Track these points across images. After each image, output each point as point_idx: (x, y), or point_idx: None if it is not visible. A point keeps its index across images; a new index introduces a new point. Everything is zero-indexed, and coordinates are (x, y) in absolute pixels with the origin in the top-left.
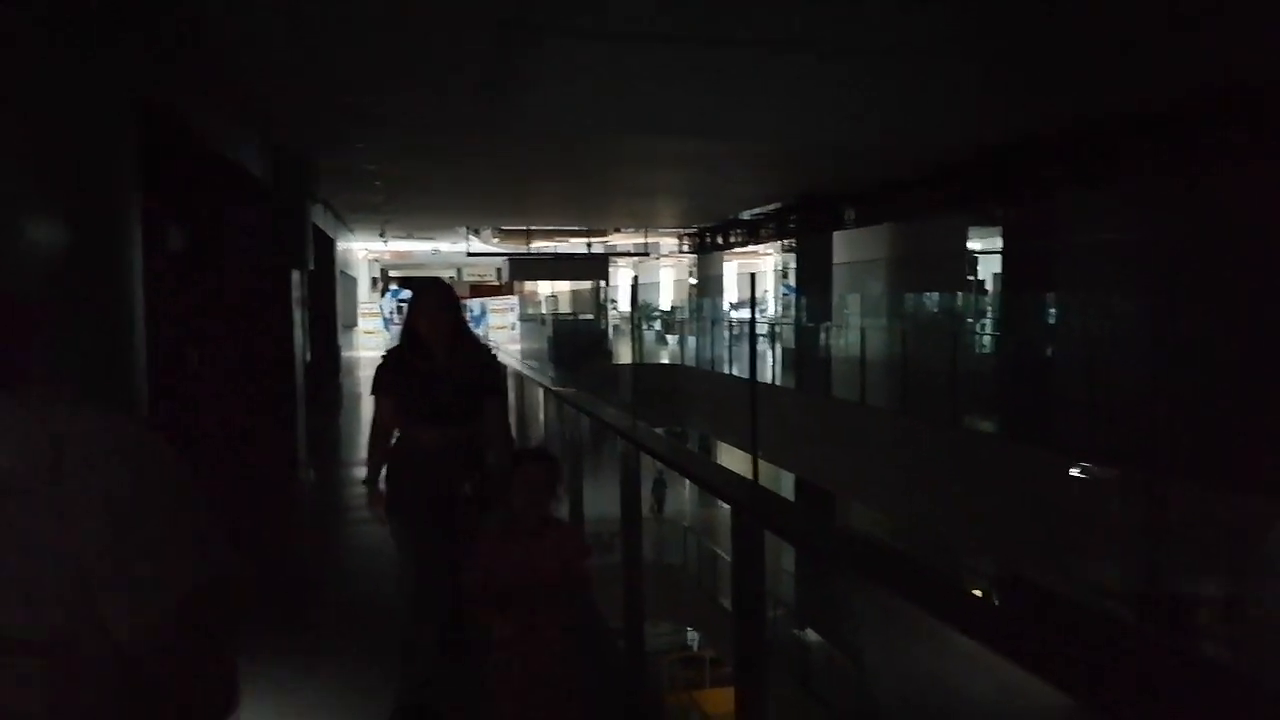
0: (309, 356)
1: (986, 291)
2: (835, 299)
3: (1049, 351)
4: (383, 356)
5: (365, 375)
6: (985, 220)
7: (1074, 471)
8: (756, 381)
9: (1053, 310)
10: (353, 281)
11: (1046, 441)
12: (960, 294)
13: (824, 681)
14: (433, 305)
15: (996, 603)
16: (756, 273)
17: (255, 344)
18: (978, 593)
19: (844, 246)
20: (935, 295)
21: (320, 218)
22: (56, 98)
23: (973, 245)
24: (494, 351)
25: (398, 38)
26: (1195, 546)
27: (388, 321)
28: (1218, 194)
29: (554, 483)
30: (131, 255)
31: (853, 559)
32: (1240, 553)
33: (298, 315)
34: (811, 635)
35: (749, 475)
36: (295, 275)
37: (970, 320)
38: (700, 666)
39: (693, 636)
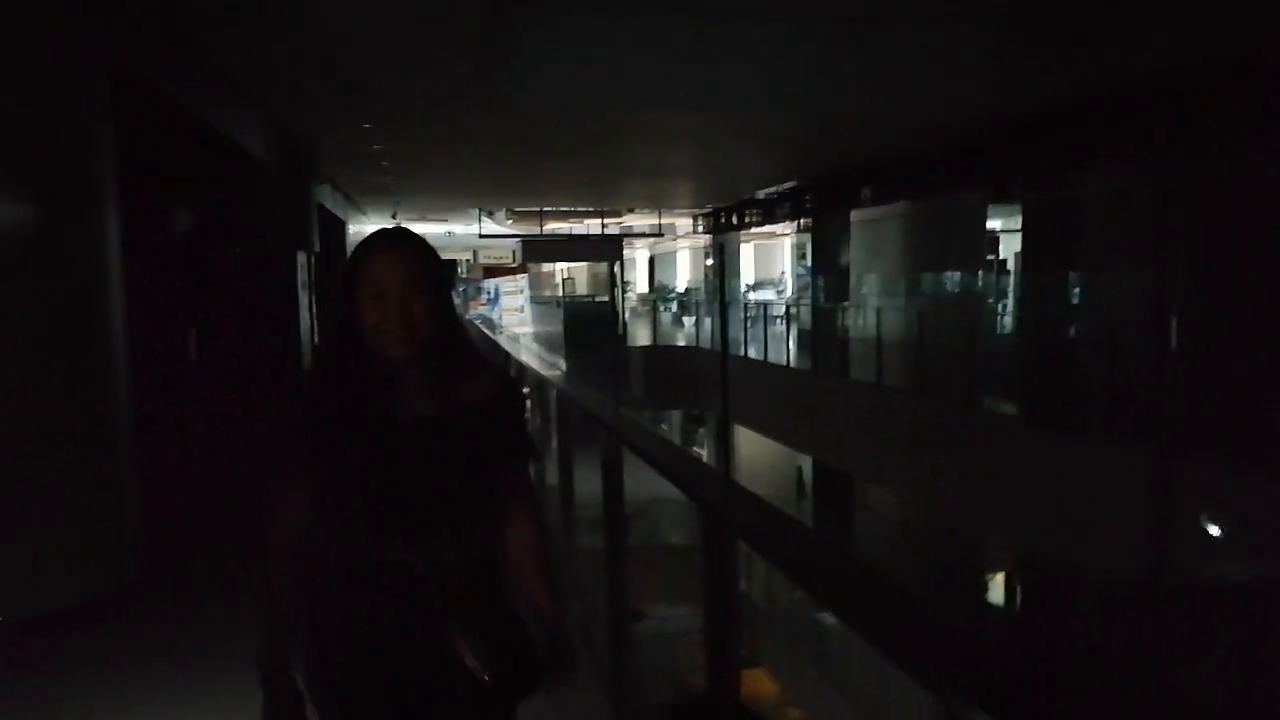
0: (317, 340)
1: (1008, 271)
2: (853, 279)
3: (1071, 332)
4: (292, 395)
5: None
6: (1005, 198)
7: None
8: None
9: (1075, 290)
10: None
11: (1065, 424)
12: (980, 273)
13: (842, 667)
14: (395, 274)
15: (1015, 586)
16: (774, 253)
17: (259, 329)
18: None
19: (862, 225)
20: (955, 275)
21: (328, 199)
22: (13, 67)
23: (994, 224)
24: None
25: (390, 10)
26: (1223, 531)
27: None
28: (1251, 163)
29: None
30: (105, 235)
31: (812, 578)
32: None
33: (304, 299)
34: (829, 619)
35: (768, 458)
36: (301, 258)
37: (991, 300)
38: None
39: None
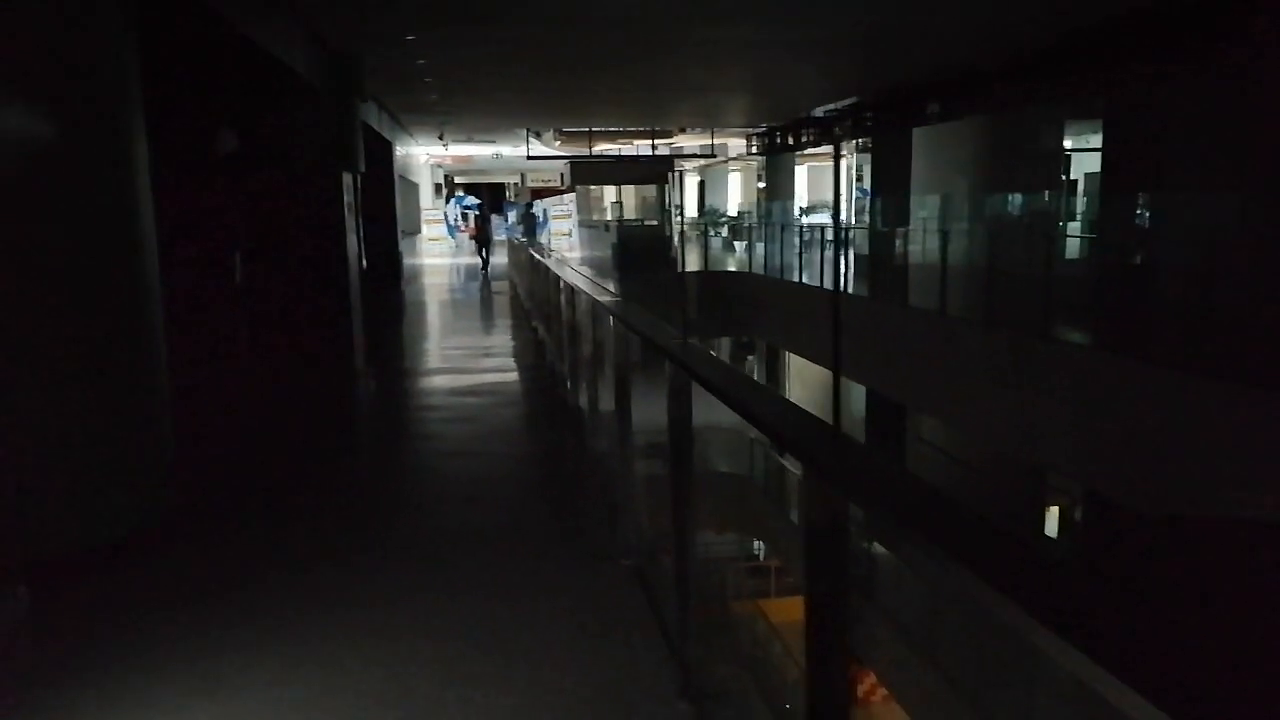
0: (365, 263)
1: (1077, 193)
2: (913, 201)
3: (1144, 257)
4: None
5: (430, 283)
6: (1083, 114)
7: None
8: (823, 290)
9: (1148, 213)
10: (414, 187)
11: (1142, 354)
12: (1048, 194)
13: (891, 595)
14: None
15: (1076, 519)
16: (829, 176)
17: (305, 250)
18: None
19: (925, 144)
20: (1020, 197)
21: (374, 119)
22: None
23: (1066, 143)
24: None
25: None
26: None
27: (453, 228)
28: None
29: None
30: (132, 155)
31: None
32: None
33: (351, 220)
34: (878, 549)
35: (818, 393)
36: (347, 178)
37: (1062, 223)
38: (766, 575)
39: (759, 546)
